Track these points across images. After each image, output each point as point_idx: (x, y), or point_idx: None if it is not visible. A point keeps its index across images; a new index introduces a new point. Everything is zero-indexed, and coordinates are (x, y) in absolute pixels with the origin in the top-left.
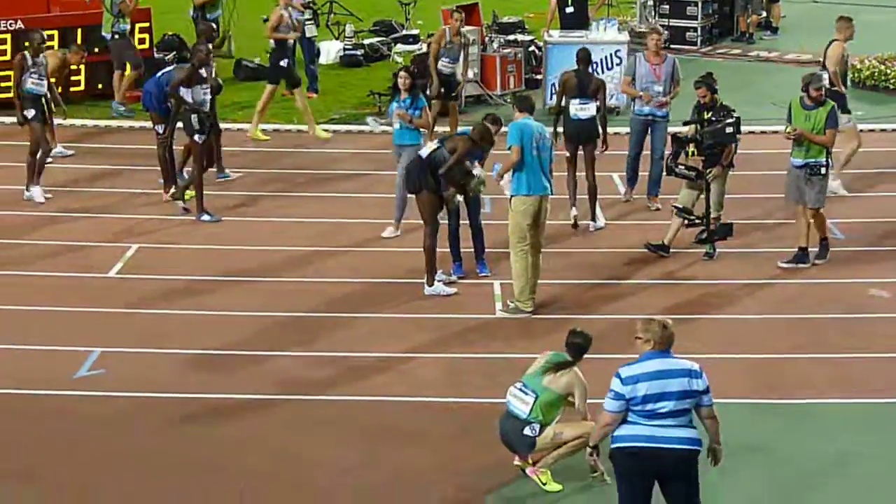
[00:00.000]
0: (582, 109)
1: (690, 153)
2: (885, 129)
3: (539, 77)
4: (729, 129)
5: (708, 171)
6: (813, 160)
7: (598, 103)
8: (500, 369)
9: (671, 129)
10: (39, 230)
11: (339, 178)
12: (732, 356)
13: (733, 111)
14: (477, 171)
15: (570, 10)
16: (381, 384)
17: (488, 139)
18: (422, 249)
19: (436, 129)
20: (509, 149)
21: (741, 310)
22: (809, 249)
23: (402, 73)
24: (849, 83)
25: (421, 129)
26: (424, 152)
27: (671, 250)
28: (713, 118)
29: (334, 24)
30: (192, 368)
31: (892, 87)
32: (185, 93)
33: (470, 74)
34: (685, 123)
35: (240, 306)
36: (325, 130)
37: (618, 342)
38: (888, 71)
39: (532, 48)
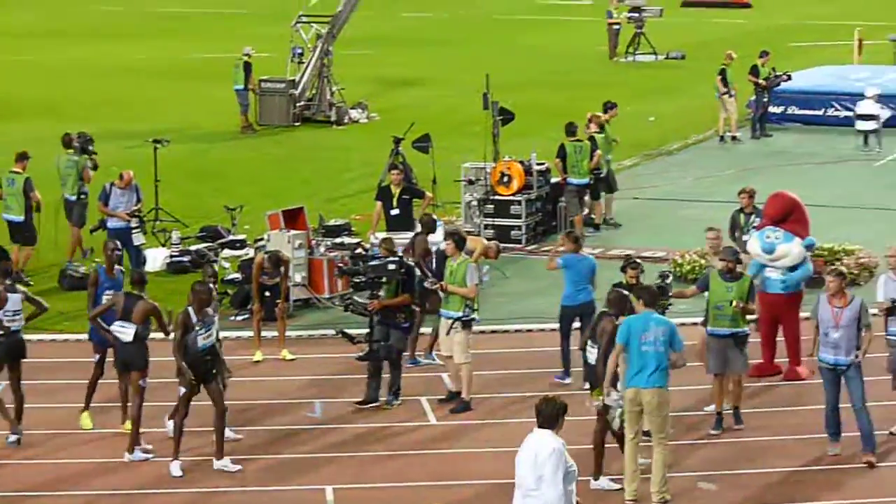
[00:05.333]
0: None
1: None
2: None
3: None
4: None
5: None
6: (740, 330)
7: None
8: None
9: None
10: None
11: None
12: None
13: None
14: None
15: (395, 211)
16: None
17: None
18: None
19: (263, 334)
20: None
21: None
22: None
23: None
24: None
25: None
26: None
27: None
28: None
29: (160, 231)
30: None
31: None
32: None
33: (298, 278)
34: None
35: None
36: None
37: None
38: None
39: (359, 250)
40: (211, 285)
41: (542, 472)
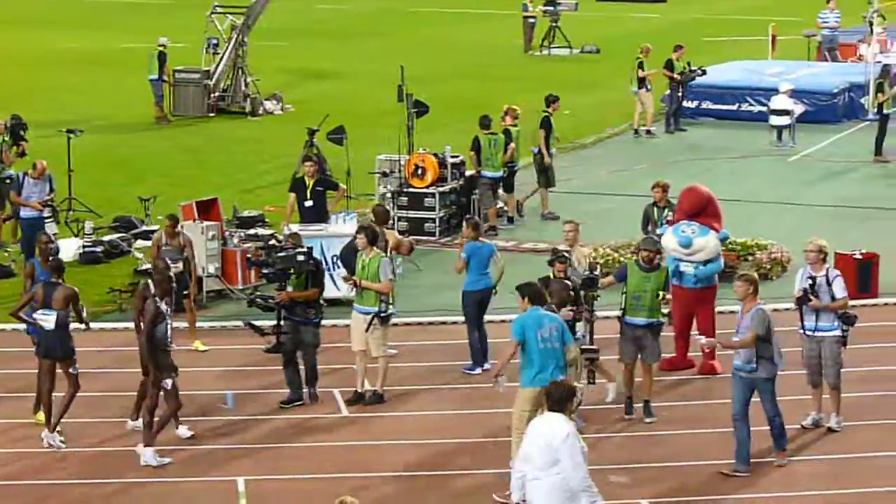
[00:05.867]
0: None
1: None
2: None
3: None
4: None
5: None
6: (656, 320)
7: None
8: None
9: None
10: None
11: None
12: None
13: None
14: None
15: (309, 203)
16: None
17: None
18: None
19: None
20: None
21: None
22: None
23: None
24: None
25: None
26: None
27: None
28: None
29: (73, 222)
30: None
31: None
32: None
33: (211, 269)
34: None
35: None
36: None
37: None
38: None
39: (272, 241)
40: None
41: (558, 456)
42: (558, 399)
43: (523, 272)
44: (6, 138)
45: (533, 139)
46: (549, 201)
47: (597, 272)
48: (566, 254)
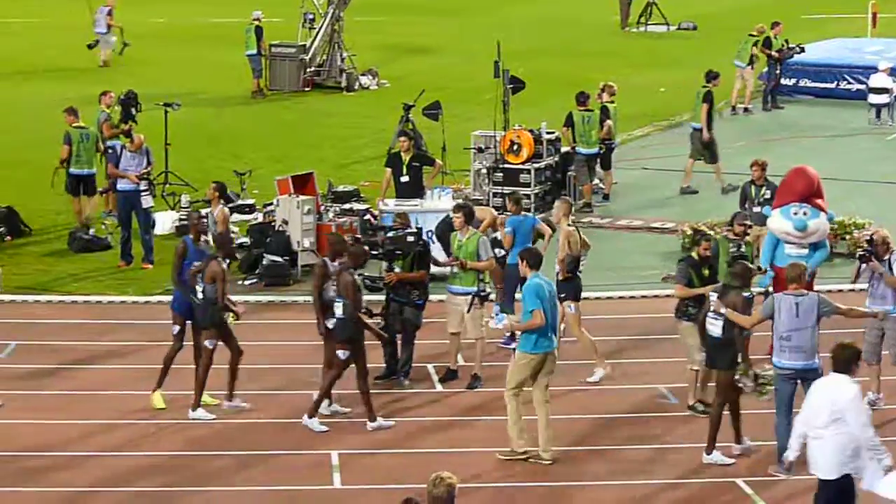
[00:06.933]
0: None
1: None
2: None
3: None
4: None
5: None
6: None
7: None
8: None
9: None
10: None
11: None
12: None
13: None
14: None
15: (405, 178)
16: None
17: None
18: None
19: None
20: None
21: None
22: None
23: None
24: None
25: None
26: None
27: None
28: None
29: (169, 195)
30: None
31: None
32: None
33: (306, 243)
34: None
35: None
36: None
37: None
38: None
39: (367, 216)
40: None
41: (842, 415)
42: (845, 360)
43: (615, 249)
44: (115, 110)
45: (625, 119)
46: (721, 174)
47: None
48: (710, 232)
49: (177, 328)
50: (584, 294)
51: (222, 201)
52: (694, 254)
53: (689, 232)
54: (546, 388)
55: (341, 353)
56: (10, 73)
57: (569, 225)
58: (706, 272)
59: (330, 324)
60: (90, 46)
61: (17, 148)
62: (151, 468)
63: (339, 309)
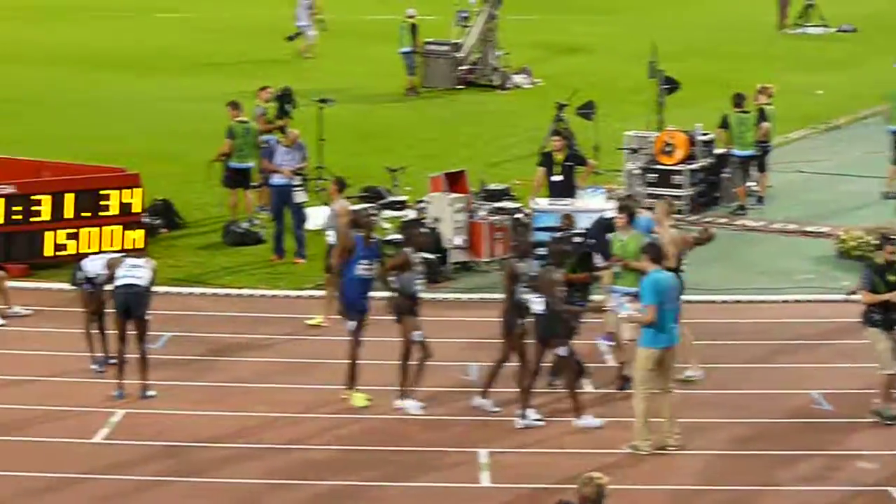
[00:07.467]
0: None
1: None
2: None
3: None
4: None
5: None
6: None
7: None
8: None
9: None
10: None
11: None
12: None
13: None
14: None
15: (557, 178)
16: None
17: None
18: None
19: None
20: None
21: None
22: None
23: None
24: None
25: None
26: None
27: None
28: None
29: (322, 191)
30: None
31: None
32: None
33: (458, 241)
34: None
35: None
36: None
37: None
38: (872, 242)
39: (518, 215)
40: None
41: None
42: None
43: (769, 253)
44: (271, 106)
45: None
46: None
47: None
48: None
49: (353, 324)
50: (734, 297)
51: (342, 195)
52: (879, 259)
53: (844, 237)
54: (669, 381)
55: (562, 350)
56: (169, 67)
57: (671, 227)
58: (892, 277)
59: (525, 323)
60: (290, 38)
61: (173, 140)
62: (326, 462)
63: (538, 305)
